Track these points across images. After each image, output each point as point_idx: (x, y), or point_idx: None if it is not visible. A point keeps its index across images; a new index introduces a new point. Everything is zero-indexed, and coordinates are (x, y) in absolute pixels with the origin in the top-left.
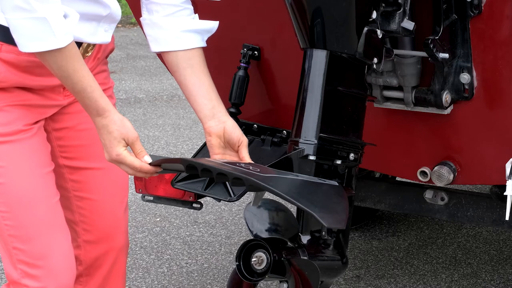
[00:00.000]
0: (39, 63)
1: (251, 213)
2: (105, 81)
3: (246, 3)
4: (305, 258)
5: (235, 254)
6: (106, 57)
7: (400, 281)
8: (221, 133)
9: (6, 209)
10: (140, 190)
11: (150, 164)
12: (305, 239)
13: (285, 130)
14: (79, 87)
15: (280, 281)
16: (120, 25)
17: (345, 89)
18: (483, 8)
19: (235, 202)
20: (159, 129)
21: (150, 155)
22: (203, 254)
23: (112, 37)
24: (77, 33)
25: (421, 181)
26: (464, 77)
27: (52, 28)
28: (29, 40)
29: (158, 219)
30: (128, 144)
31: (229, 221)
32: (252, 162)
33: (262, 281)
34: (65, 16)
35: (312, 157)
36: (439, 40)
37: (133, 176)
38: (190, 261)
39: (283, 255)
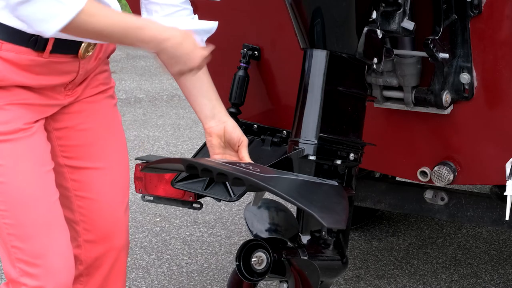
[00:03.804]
0: (39, 62)
1: (251, 213)
2: (106, 81)
3: (246, 3)
4: (305, 258)
5: (235, 254)
6: (108, 57)
7: (400, 281)
8: (221, 133)
9: (5, 207)
10: (140, 190)
11: (150, 164)
12: (305, 239)
13: (285, 130)
14: (131, 34)
15: (280, 281)
16: None
17: (345, 89)
18: (483, 8)
19: (235, 202)
20: (159, 129)
21: (150, 155)
22: (203, 254)
23: None
24: None
25: (421, 181)
26: (464, 77)
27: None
28: (47, 22)
29: (158, 219)
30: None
31: (229, 221)
32: (252, 162)
33: (262, 281)
34: None
35: (312, 157)
36: (439, 40)
37: (133, 176)
38: (190, 261)
39: (283, 255)
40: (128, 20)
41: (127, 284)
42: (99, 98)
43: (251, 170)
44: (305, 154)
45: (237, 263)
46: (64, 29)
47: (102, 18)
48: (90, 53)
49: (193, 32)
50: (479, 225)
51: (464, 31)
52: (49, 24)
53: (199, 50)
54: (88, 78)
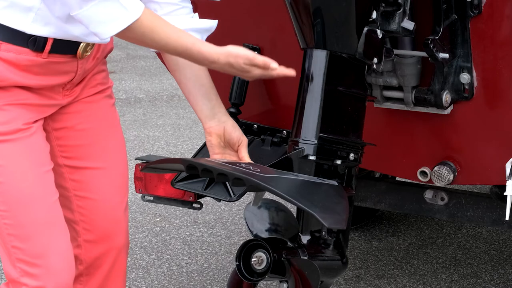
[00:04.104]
0: (38, 62)
1: (251, 213)
2: (104, 81)
3: (246, 3)
4: (305, 258)
5: (235, 254)
6: (105, 57)
7: (400, 281)
8: (221, 133)
9: (5, 207)
10: (140, 190)
11: (150, 164)
12: (305, 239)
13: (285, 130)
14: (181, 48)
15: (280, 281)
16: None
17: (345, 89)
18: (483, 8)
19: (235, 202)
20: (159, 129)
21: (150, 155)
22: (203, 254)
23: (111, 37)
24: (76, 32)
25: (421, 181)
26: (464, 77)
27: (121, 3)
28: (106, 24)
29: (158, 219)
30: (251, 65)
31: (229, 221)
32: (252, 162)
33: (262, 281)
34: None
35: (312, 157)
36: (439, 40)
37: (133, 176)
38: (190, 261)
39: (283, 255)
40: (183, 38)
41: (127, 284)
42: (98, 98)
43: (251, 170)
44: (305, 154)
45: (237, 263)
46: (121, 34)
47: (158, 28)
48: (89, 53)
49: (241, 55)
50: (479, 225)
51: (464, 31)
52: (108, 26)
53: (250, 71)
54: (86, 78)
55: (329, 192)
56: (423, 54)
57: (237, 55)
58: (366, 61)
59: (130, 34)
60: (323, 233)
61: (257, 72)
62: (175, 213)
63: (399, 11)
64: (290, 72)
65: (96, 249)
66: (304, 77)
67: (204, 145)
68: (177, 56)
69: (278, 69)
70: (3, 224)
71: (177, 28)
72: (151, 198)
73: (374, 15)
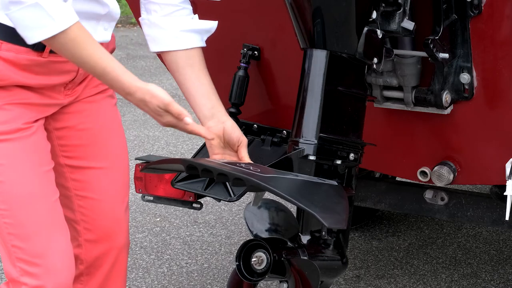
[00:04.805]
0: (38, 61)
1: (251, 213)
2: None
3: (246, 3)
4: (305, 258)
5: (235, 254)
6: None
7: (400, 281)
8: (220, 133)
9: (5, 207)
10: (140, 190)
11: (150, 164)
12: (305, 239)
13: (285, 130)
14: (99, 70)
15: (280, 281)
16: (120, 25)
17: (345, 89)
18: (483, 8)
19: (235, 202)
20: (159, 129)
21: (150, 155)
22: (203, 254)
23: (113, 36)
24: None
25: (421, 181)
26: (464, 77)
27: (49, 12)
28: (32, 30)
29: (158, 219)
30: (165, 110)
31: (229, 221)
32: (252, 162)
33: (262, 281)
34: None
35: (312, 157)
36: (439, 40)
37: (133, 176)
38: (190, 261)
39: (283, 255)
40: (105, 60)
41: (127, 284)
42: (99, 98)
43: (251, 170)
44: (305, 154)
45: (237, 263)
46: (46, 42)
47: (83, 45)
48: None
49: (158, 97)
50: (479, 225)
51: (464, 31)
52: (33, 33)
53: (162, 115)
54: (88, 77)
55: (329, 192)
56: (423, 54)
57: (154, 95)
58: (366, 61)
59: (54, 44)
60: (323, 233)
61: (169, 119)
62: (175, 213)
63: (399, 11)
64: (206, 134)
65: (96, 249)
66: (304, 77)
67: (204, 145)
68: (96, 77)
69: (191, 125)
70: (3, 223)
71: (104, 51)
72: (151, 198)
73: (374, 15)
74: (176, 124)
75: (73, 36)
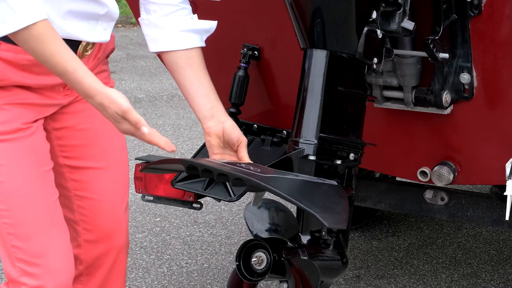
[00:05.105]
0: (37, 62)
1: (251, 213)
2: (105, 81)
3: (246, 3)
4: (305, 258)
5: (235, 254)
6: (107, 57)
7: (400, 281)
8: (220, 133)
9: (5, 207)
10: (140, 190)
11: (150, 164)
12: (305, 239)
13: (285, 130)
14: (59, 69)
15: (280, 281)
16: (120, 25)
17: (345, 89)
18: (483, 8)
19: (235, 202)
20: (159, 129)
21: (150, 155)
22: (203, 254)
23: (112, 36)
24: (75, 32)
25: (421, 181)
26: (464, 77)
27: (12, 7)
28: None
29: (158, 219)
30: (123, 117)
31: (229, 221)
32: (252, 162)
33: (262, 281)
34: None
35: (312, 157)
36: (439, 40)
37: (133, 176)
38: (190, 261)
39: (283, 255)
40: (67, 60)
41: (127, 284)
42: None
43: (251, 170)
44: (305, 154)
45: (237, 263)
46: (11, 36)
47: (46, 43)
48: (89, 53)
49: (117, 102)
50: (479, 225)
51: (464, 31)
52: None
53: (120, 122)
54: None
55: (329, 192)
56: (423, 54)
57: (112, 101)
58: (366, 61)
59: (17, 39)
60: (323, 233)
61: (127, 127)
62: (175, 213)
63: (399, 11)
64: (165, 146)
65: (96, 249)
66: (304, 77)
67: (204, 145)
68: (58, 77)
69: (148, 135)
70: (2, 224)
71: (69, 52)
72: (151, 198)
73: (374, 15)
74: (134, 132)
75: (36, 33)
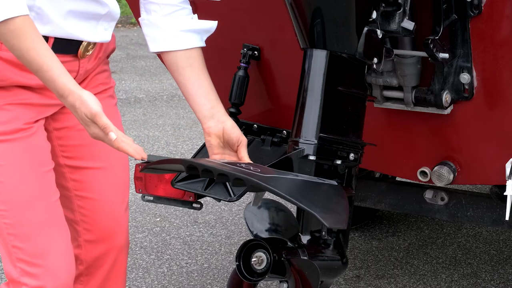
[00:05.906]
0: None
1: (251, 213)
2: (106, 81)
3: (246, 3)
4: (305, 258)
5: (235, 254)
6: (107, 57)
7: (400, 281)
8: (220, 133)
9: (5, 207)
10: (140, 190)
11: (150, 164)
12: (305, 239)
13: (285, 130)
14: (34, 66)
15: (280, 281)
16: (120, 25)
17: (345, 89)
18: (483, 8)
19: (235, 202)
20: (159, 129)
21: (150, 155)
22: (203, 254)
23: (113, 36)
24: (76, 31)
25: (421, 181)
26: (464, 77)
27: None
28: None
29: (158, 219)
30: (92, 121)
31: (229, 221)
32: (252, 162)
33: (262, 281)
34: None
35: (312, 157)
36: (439, 40)
37: (133, 176)
38: (190, 261)
39: (283, 255)
40: (43, 58)
41: (127, 284)
42: (99, 98)
43: (251, 170)
44: (305, 154)
45: (237, 263)
46: None
47: (23, 39)
48: (90, 53)
49: (87, 105)
50: (479, 225)
51: (464, 31)
52: None
53: (88, 125)
54: (88, 78)
55: (329, 192)
56: (423, 54)
57: (84, 103)
58: (366, 61)
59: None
60: (323, 233)
61: (95, 130)
62: (175, 213)
63: (399, 11)
64: (133, 154)
65: (96, 249)
66: (304, 77)
67: (204, 145)
68: (33, 73)
69: (116, 142)
70: (3, 224)
71: (47, 50)
72: (151, 198)
73: (374, 15)
74: (103, 137)
75: (14, 28)
